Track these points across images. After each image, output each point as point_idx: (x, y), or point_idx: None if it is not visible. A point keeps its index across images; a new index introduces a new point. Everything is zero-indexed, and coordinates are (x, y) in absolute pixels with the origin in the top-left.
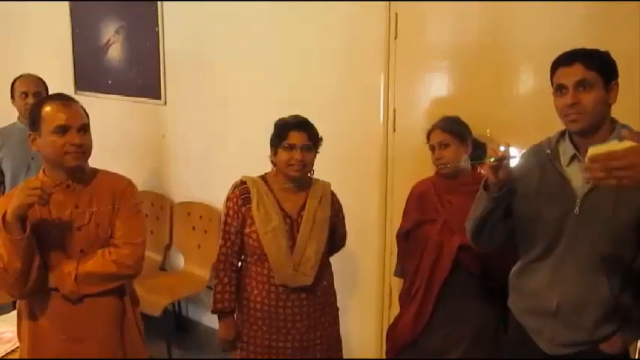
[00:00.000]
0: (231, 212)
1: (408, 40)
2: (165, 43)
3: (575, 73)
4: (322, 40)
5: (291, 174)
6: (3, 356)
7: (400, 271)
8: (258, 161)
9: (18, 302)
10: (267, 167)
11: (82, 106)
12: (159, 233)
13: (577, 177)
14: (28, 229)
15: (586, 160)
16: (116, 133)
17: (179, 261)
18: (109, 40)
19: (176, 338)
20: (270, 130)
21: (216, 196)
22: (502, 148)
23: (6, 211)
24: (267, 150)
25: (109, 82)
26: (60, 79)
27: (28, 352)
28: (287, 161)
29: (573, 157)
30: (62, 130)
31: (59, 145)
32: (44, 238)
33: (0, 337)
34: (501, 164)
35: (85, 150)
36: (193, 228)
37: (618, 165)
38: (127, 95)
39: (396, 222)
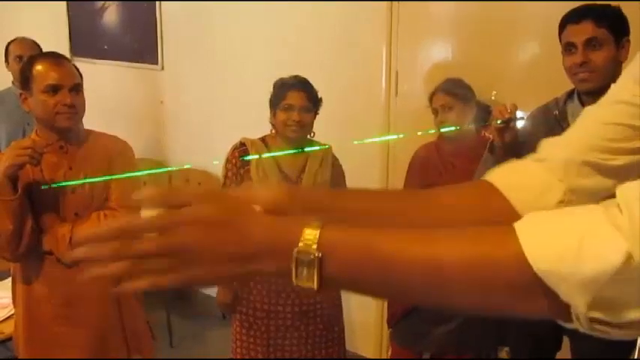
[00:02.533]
0: (229, 174)
1: (412, 3)
2: (162, 6)
3: (584, 30)
4: (324, 2)
5: (289, 135)
6: (0, 322)
7: None
8: (257, 127)
9: (12, 266)
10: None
11: (74, 65)
12: None
13: None
14: (20, 191)
15: None
16: (113, 100)
17: None
18: (104, 4)
19: (175, 306)
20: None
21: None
22: (509, 110)
23: None
24: (267, 115)
25: (105, 47)
26: (55, 45)
27: (22, 316)
28: (285, 122)
29: None
30: (53, 89)
31: (50, 105)
32: (37, 201)
33: None
34: (508, 126)
35: (78, 110)
36: None
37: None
38: (123, 60)
39: (398, 187)
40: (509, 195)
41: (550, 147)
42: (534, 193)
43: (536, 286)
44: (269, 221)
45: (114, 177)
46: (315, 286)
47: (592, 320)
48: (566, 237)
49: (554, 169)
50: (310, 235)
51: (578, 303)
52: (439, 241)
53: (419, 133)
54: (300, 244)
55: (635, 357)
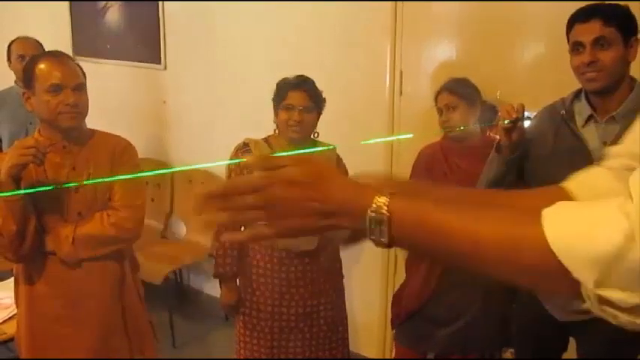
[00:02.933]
0: (233, 175)
1: (416, 3)
2: (165, 6)
3: (592, 29)
4: (329, 2)
5: (290, 135)
6: (2, 322)
7: None
8: (260, 127)
9: (15, 266)
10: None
11: (78, 64)
12: (160, 201)
13: (593, 138)
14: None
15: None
16: (115, 99)
17: (180, 229)
18: (106, 4)
19: (178, 307)
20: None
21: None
22: (516, 109)
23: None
24: (270, 115)
25: (108, 46)
26: (57, 44)
27: (25, 316)
28: (286, 121)
29: (589, 118)
30: (56, 89)
31: (53, 104)
32: (40, 201)
33: None
34: (515, 125)
35: (81, 110)
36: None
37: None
38: (125, 60)
39: None
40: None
41: (616, 153)
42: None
43: (554, 265)
44: (349, 186)
45: (117, 177)
46: (387, 241)
47: (601, 302)
48: (582, 222)
49: (621, 177)
50: (381, 200)
51: (587, 279)
52: (480, 220)
53: (433, 134)
54: (373, 207)
55: None
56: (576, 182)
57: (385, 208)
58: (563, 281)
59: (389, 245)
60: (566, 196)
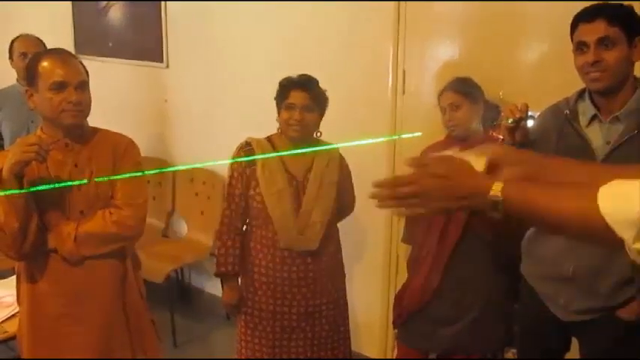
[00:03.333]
0: (235, 174)
1: (419, 2)
2: (167, 5)
3: (596, 29)
4: (331, 2)
5: (291, 134)
6: (3, 320)
7: (407, 237)
8: (262, 126)
9: (17, 264)
10: (272, 133)
11: (80, 62)
12: (161, 199)
13: (597, 138)
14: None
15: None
16: (117, 98)
17: (182, 228)
18: (108, 2)
19: (179, 306)
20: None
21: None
22: (519, 109)
23: (2, 168)
24: (272, 114)
25: (110, 44)
26: (59, 42)
27: (26, 314)
28: (287, 121)
29: (593, 118)
30: (59, 86)
31: (56, 102)
32: (43, 198)
33: (0, 301)
34: (518, 125)
35: (83, 108)
36: (196, 194)
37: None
38: (128, 58)
39: None
40: None
41: None
42: None
43: (606, 228)
44: (477, 177)
45: (120, 176)
46: (500, 216)
47: None
48: (624, 195)
49: None
50: (498, 187)
51: (627, 236)
52: (561, 198)
53: (452, 135)
54: (492, 192)
55: None
56: None
57: (500, 193)
58: (614, 239)
59: (502, 218)
60: None
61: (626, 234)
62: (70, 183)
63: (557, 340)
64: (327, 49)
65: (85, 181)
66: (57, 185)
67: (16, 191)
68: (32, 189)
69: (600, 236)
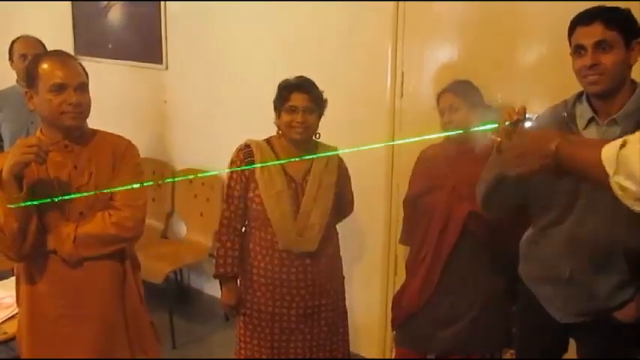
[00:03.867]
0: (234, 175)
1: (418, 3)
2: (166, 6)
3: (594, 32)
4: (330, 2)
5: (294, 136)
6: (3, 321)
7: (405, 239)
8: (262, 128)
9: (16, 266)
10: (272, 134)
11: (80, 64)
12: (160, 201)
13: None
14: (24, 189)
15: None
16: (116, 99)
17: (181, 229)
18: (108, 3)
19: (178, 307)
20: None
21: (219, 163)
22: (517, 111)
23: (1, 170)
24: (272, 115)
25: (109, 46)
26: (59, 44)
27: (26, 316)
28: (289, 123)
29: (591, 120)
30: (59, 88)
31: (56, 104)
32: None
33: None
34: (517, 128)
35: (83, 110)
36: (195, 196)
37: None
38: (127, 60)
39: (402, 188)
40: None
41: None
42: None
43: (604, 169)
44: (544, 138)
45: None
46: (555, 165)
47: (621, 189)
48: (616, 142)
49: None
50: (554, 142)
51: (610, 172)
52: (592, 152)
53: (458, 136)
54: (552, 147)
55: None
56: None
57: (555, 147)
58: (607, 181)
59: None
60: None
61: (610, 170)
62: (78, 194)
63: (555, 342)
64: (326, 49)
65: (93, 192)
66: (59, 198)
67: (21, 204)
68: (37, 201)
69: (604, 177)
